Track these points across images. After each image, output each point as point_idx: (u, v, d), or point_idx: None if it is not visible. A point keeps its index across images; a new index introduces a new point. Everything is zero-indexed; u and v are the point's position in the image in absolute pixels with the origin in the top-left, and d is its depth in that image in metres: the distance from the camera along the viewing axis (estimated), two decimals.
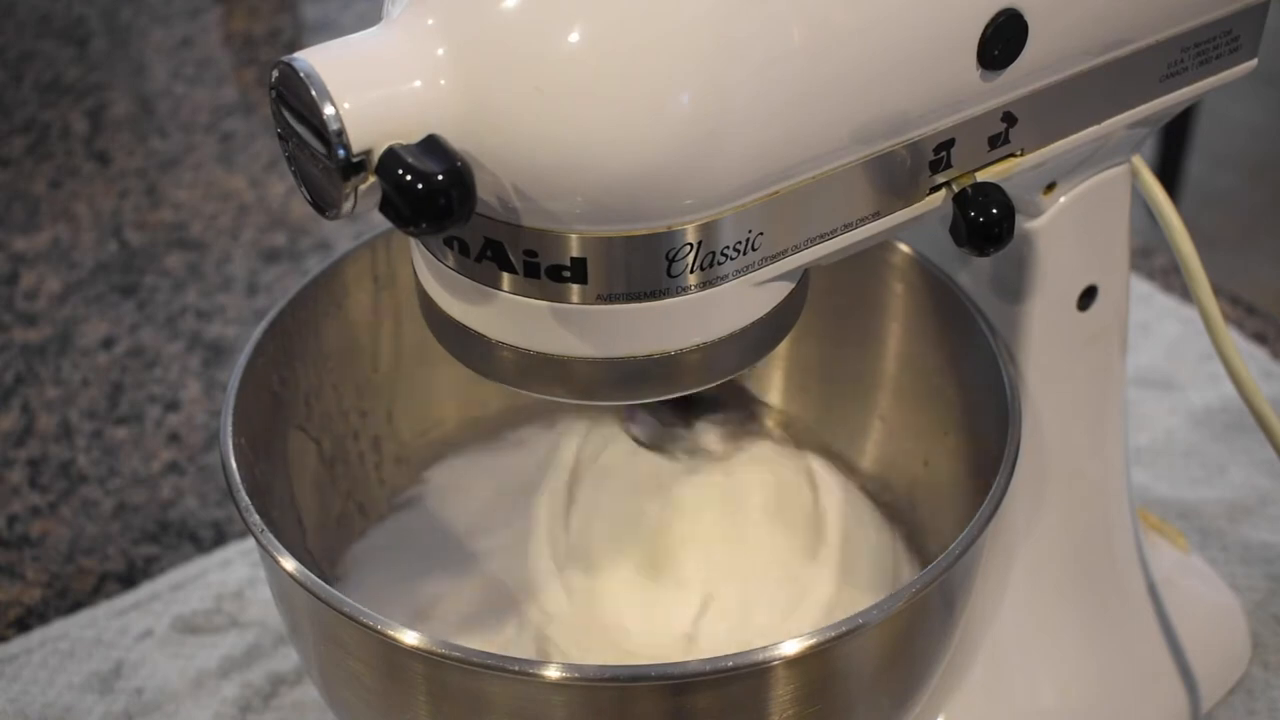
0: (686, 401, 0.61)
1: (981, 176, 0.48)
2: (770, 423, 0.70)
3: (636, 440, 0.62)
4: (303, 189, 0.43)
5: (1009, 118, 0.48)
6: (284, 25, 1.25)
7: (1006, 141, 0.49)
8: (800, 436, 0.69)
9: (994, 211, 0.47)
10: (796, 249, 0.46)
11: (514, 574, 0.63)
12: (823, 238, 0.46)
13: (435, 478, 0.67)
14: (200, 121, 1.11)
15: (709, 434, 0.62)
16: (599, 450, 0.64)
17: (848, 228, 0.47)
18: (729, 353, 0.46)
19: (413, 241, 0.47)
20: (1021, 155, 0.49)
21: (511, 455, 0.68)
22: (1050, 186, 0.55)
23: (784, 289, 0.47)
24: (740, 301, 0.46)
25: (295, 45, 1.22)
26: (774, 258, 0.45)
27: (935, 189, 0.48)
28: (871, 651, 0.49)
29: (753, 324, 0.46)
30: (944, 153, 0.47)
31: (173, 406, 0.85)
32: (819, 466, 0.65)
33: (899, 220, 0.48)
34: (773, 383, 0.70)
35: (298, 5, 1.29)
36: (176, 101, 1.14)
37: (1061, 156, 0.51)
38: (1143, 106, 0.52)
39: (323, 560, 0.62)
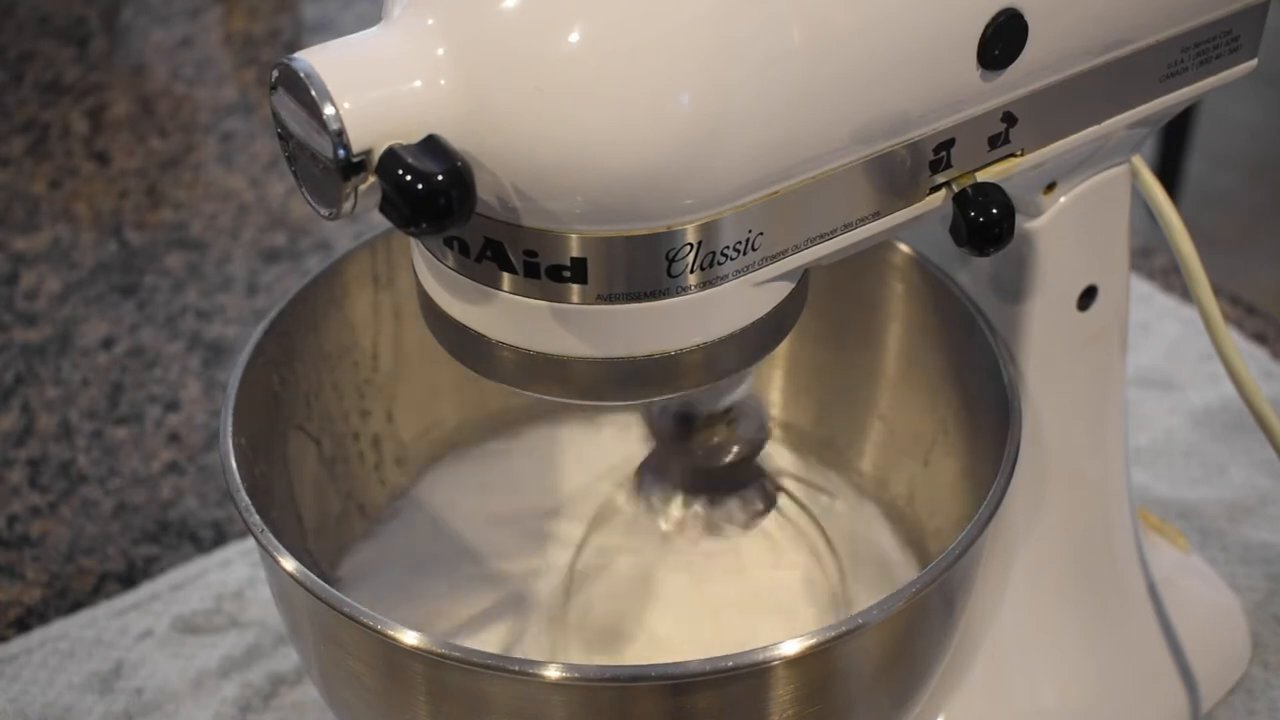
0: (706, 477, 0.61)
1: (981, 176, 0.48)
2: (770, 423, 0.70)
3: (649, 507, 0.61)
4: (303, 189, 0.43)
5: (1009, 118, 0.48)
6: (284, 25, 1.25)
7: (1006, 141, 0.49)
8: (800, 436, 0.69)
9: (994, 211, 0.47)
10: (796, 249, 0.46)
11: (514, 574, 0.63)
12: (823, 238, 0.46)
13: (435, 478, 0.67)
14: (200, 121, 1.11)
15: (724, 510, 0.61)
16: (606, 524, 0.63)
17: (848, 228, 0.47)
18: (729, 353, 0.46)
19: (413, 241, 0.47)
20: (1021, 155, 0.49)
21: (511, 455, 0.68)
22: (1050, 186, 0.55)
23: (784, 289, 0.47)
24: (740, 301, 0.46)
25: (295, 45, 1.22)
26: (774, 258, 0.45)
27: (935, 189, 0.48)
28: (871, 651, 0.49)
29: (753, 324, 0.46)
30: (944, 153, 0.47)
31: (173, 406, 0.85)
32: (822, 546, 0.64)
33: (899, 220, 0.48)
34: (773, 383, 0.70)
35: (298, 5, 1.28)
36: (176, 101, 1.14)
37: (1061, 156, 0.51)
38: (1143, 106, 0.52)
39: (323, 560, 0.62)
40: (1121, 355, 0.61)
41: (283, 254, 0.97)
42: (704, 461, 0.58)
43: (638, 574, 0.62)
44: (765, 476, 0.61)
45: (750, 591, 0.62)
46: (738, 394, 0.56)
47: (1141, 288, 0.92)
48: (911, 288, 0.61)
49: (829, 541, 0.63)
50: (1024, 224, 0.55)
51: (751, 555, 0.63)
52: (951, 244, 0.48)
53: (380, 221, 0.43)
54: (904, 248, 0.61)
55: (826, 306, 0.62)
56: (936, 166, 0.47)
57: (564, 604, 0.61)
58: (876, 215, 0.47)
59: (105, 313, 0.93)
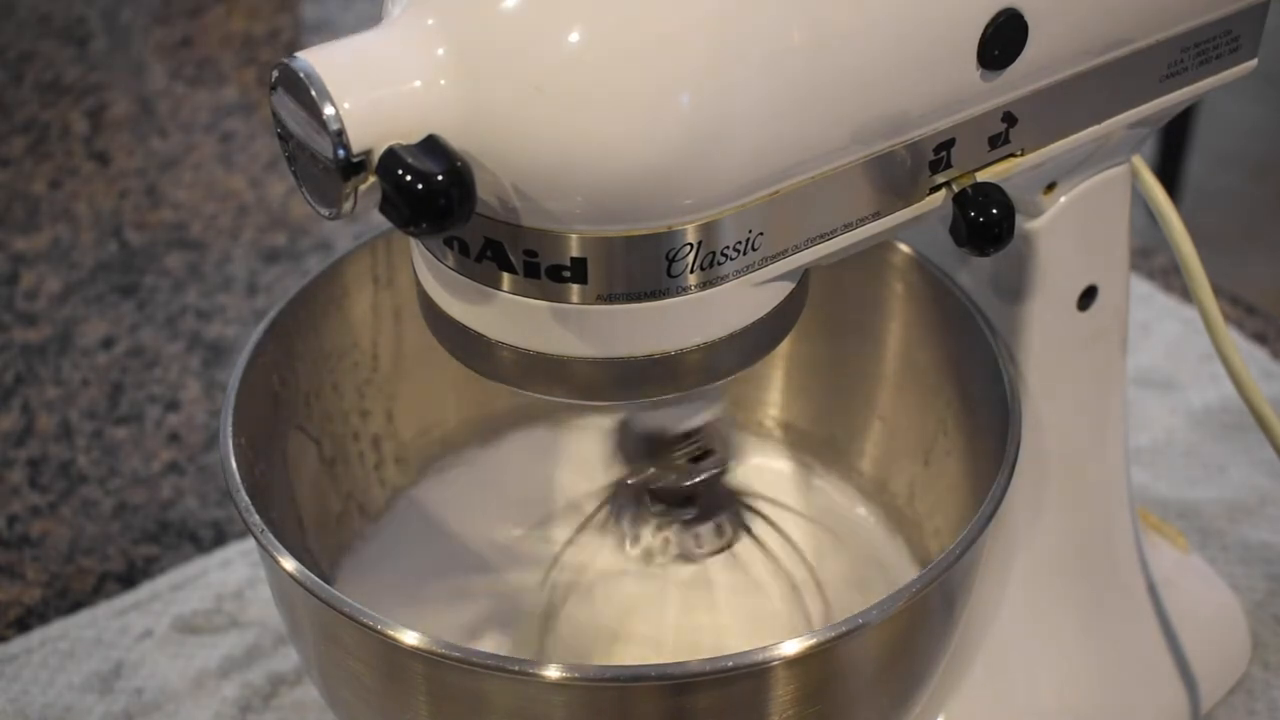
0: (675, 502, 0.60)
1: (981, 176, 0.48)
2: (770, 423, 0.70)
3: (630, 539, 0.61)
4: (303, 189, 0.43)
5: (1009, 118, 0.48)
6: (284, 25, 1.25)
7: (1006, 141, 0.49)
8: (800, 436, 0.69)
9: (994, 211, 0.47)
10: (797, 249, 0.46)
11: (514, 574, 0.63)
12: (823, 238, 0.46)
13: (435, 478, 0.67)
14: (200, 121, 1.11)
15: (694, 536, 0.60)
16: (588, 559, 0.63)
17: (848, 228, 0.47)
18: (729, 353, 0.46)
19: (413, 241, 0.47)
20: (1021, 155, 0.49)
21: (512, 455, 0.68)
22: (1050, 186, 0.55)
23: (784, 289, 0.47)
24: (740, 302, 0.46)
25: (295, 45, 1.22)
26: (774, 258, 0.45)
27: (935, 189, 0.48)
28: (871, 651, 0.49)
29: (753, 324, 0.46)
30: (944, 153, 0.47)
31: (173, 406, 0.85)
32: (803, 574, 0.63)
33: (899, 220, 0.48)
34: (773, 383, 0.70)
35: (298, 5, 1.29)
36: (176, 101, 1.14)
37: (1061, 156, 0.51)
38: (1143, 106, 0.52)
39: (323, 560, 0.62)
40: (1122, 355, 0.61)
41: (283, 254, 0.97)
42: (669, 484, 0.58)
43: (613, 594, 0.61)
44: (738, 502, 0.61)
45: (722, 618, 0.62)
46: (705, 416, 0.56)
47: (1141, 288, 0.92)
48: (911, 288, 0.61)
49: (810, 567, 0.63)
50: (1024, 224, 0.55)
51: (724, 581, 0.62)
52: (951, 244, 0.48)
53: (380, 221, 0.43)
54: (904, 248, 0.61)
55: (826, 306, 0.62)
56: (936, 166, 0.47)
57: (545, 618, 0.61)
58: (876, 215, 0.47)
59: (105, 313, 0.93)
